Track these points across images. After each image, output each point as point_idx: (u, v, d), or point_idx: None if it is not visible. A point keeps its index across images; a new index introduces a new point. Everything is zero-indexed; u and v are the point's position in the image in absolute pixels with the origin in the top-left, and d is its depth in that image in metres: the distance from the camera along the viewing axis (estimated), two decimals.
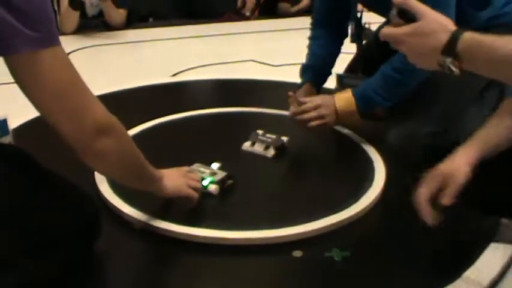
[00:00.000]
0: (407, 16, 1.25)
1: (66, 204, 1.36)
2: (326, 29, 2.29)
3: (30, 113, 1.84)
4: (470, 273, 1.45)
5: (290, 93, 2.11)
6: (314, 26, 2.33)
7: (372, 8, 2.19)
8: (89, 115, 1.21)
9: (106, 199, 1.70)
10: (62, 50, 1.18)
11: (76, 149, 1.23)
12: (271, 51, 3.55)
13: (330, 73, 2.30)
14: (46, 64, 1.14)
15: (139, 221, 1.60)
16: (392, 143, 2.08)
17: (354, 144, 2.11)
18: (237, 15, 4.61)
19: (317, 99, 2.07)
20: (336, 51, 2.33)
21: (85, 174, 1.73)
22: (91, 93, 1.23)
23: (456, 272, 1.45)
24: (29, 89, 1.16)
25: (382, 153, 2.01)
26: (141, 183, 1.46)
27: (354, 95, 2.02)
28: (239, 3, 4.59)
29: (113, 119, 1.28)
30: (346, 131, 2.18)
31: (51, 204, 1.33)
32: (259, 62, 3.39)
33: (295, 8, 4.81)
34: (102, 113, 1.24)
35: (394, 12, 1.28)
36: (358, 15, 2.20)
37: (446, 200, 1.35)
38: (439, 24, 1.23)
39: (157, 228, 1.57)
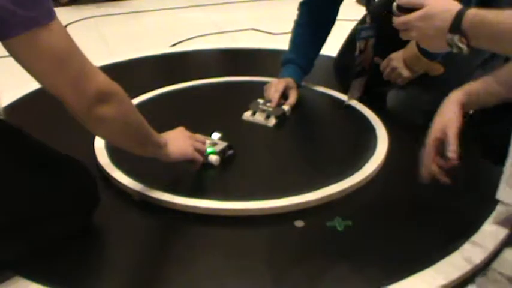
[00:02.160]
0: (406, 9, 1.33)
1: (61, 175, 1.36)
2: (315, 14, 2.21)
3: (27, 86, 1.82)
4: (475, 238, 1.45)
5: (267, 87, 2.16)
6: (303, 8, 2.25)
7: None
8: (90, 82, 1.22)
9: (105, 171, 1.69)
10: (58, 22, 1.17)
11: (79, 115, 1.24)
12: (271, 19, 3.51)
13: (312, 66, 2.26)
14: (45, 40, 1.14)
15: (138, 193, 1.59)
16: (396, 110, 2.07)
17: (355, 112, 2.09)
18: None
19: (389, 56, 2.08)
20: (322, 41, 2.25)
21: (84, 146, 1.73)
22: (90, 62, 1.24)
23: (461, 238, 1.44)
24: (30, 65, 1.17)
25: (385, 121, 1.99)
26: (146, 149, 1.47)
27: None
28: None
29: (115, 86, 1.29)
30: (346, 99, 2.16)
31: (47, 176, 1.33)
32: (260, 31, 3.36)
33: None
34: (103, 79, 1.26)
35: (394, 8, 1.37)
36: None
37: (451, 151, 1.41)
38: (444, 5, 1.27)
39: (157, 199, 1.56)
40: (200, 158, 1.64)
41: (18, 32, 1.10)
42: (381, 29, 2.06)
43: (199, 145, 1.66)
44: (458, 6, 1.26)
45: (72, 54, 1.19)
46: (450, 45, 1.26)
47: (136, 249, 1.45)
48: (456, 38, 1.24)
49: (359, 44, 2.06)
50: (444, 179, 1.47)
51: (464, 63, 2.02)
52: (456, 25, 1.23)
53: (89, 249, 1.43)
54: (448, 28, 1.25)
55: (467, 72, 2.03)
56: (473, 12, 1.22)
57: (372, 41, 2.11)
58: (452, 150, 1.41)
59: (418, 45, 1.94)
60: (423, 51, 1.93)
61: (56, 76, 1.18)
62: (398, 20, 1.35)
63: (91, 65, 1.23)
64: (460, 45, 1.24)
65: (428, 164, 1.47)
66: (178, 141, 1.58)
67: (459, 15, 1.23)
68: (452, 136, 1.42)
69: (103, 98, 1.24)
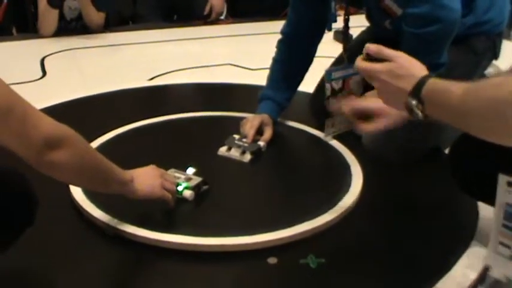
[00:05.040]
0: (374, 58, 1.36)
1: None
2: (293, 51, 2.25)
3: None
4: (446, 280, 1.44)
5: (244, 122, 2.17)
6: (280, 45, 2.28)
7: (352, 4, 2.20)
8: (34, 131, 1.20)
9: (79, 205, 1.68)
10: None
11: (30, 163, 1.22)
12: (249, 54, 3.53)
13: (289, 102, 2.29)
14: None
15: (112, 227, 1.58)
16: (371, 146, 2.07)
17: (331, 148, 2.09)
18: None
19: (366, 93, 2.05)
20: (300, 78, 2.29)
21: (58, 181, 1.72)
22: (34, 109, 1.22)
23: (432, 279, 1.44)
24: None
25: (360, 158, 2.00)
26: (109, 188, 1.45)
27: None
28: (206, 11, 4.51)
29: (63, 130, 1.27)
30: (327, 138, 2.17)
31: None
32: (237, 66, 3.37)
33: None
34: (48, 126, 1.23)
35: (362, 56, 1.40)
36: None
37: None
38: (411, 69, 1.30)
39: (132, 234, 1.56)
40: (169, 196, 1.62)
41: None
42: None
43: (168, 184, 1.63)
44: (423, 71, 1.29)
45: (12, 105, 1.17)
46: (408, 108, 1.28)
47: (109, 285, 1.45)
48: (414, 103, 1.25)
49: (331, 85, 2.07)
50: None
51: None
52: (417, 91, 1.25)
53: (61, 284, 1.42)
54: (409, 92, 1.27)
55: None
56: (433, 81, 1.24)
57: (356, 78, 2.12)
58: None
59: None
60: None
61: None
62: (362, 65, 1.38)
63: (35, 112, 1.22)
64: (416, 110, 1.26)
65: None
66: (146, 179, 1.56)
67: (421, 82, 1.25)
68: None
69: (52, 143, 1.22)
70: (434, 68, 1.88)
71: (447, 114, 1.21)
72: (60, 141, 1.24)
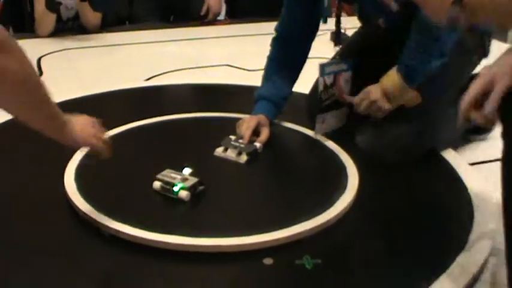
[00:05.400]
0: None
1: None
2: (287, 49, 2.24)
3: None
4: (443, 279, 1.44)
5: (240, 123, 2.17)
6: (274, 43, 2.27)
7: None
8: None
9: (75, 205, 1.67)
10: None
11: None
12: (246, 55, 3.52)
13: (286, 101, 2.27)
14: None
15: (108, 227, 1.58)
16: (366, 146, 2.07)
17: (327, 150, 2.09)
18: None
19: (365, 89, 2.06)
20: (295, 77, 2.28)
21: (54, 179, 1.72)
22: None
23: (428, 279, 1.44)
24: None
25: (356, 159, 1.99)
26: (43, 121, 1.38)
27: (396, 69, 1.96)
28: (203, 11, 4.51)
29: (8, 36, 1.17)
30: (318, 136, 2.17)
31: None
32: (234, 67, 3.37)
33: None
34: None
35: None
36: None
37: (489, 106, 1.27)
38: None
39: (127, 234, 1.55)
40: (103, 146, 1.62)
41: None
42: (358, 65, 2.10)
43: (99, 133, 1.62)
44: None
45: None
46: (450, 18, 1.25)
47: (105, 285, 1.45)
48: (457, 10, 1.23)
49: (324, 80, 2.08)
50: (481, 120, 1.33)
51: (441, 93, 2.02)
52: None
53: (58, 285, 1.42)
54: (452, 1, 1.24)
55: (440, 105, 2.04)
56: None
57: (345, 75, 2.13)
58: (489, 111, 1.28)
59: (397, 71, 1.95)
60: (404, 75, 1.94)
61: None
62: None
63: None
64: (460, 18, 1.24)
65: (464, 112, 1.33)
66: (81, 125, 1.54)
67: None
68: (497, 93, 1.28)
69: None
70: (443, 55, 1.88)
71: (490, 15, 1.21)
72: (4, 44, 1.15)
